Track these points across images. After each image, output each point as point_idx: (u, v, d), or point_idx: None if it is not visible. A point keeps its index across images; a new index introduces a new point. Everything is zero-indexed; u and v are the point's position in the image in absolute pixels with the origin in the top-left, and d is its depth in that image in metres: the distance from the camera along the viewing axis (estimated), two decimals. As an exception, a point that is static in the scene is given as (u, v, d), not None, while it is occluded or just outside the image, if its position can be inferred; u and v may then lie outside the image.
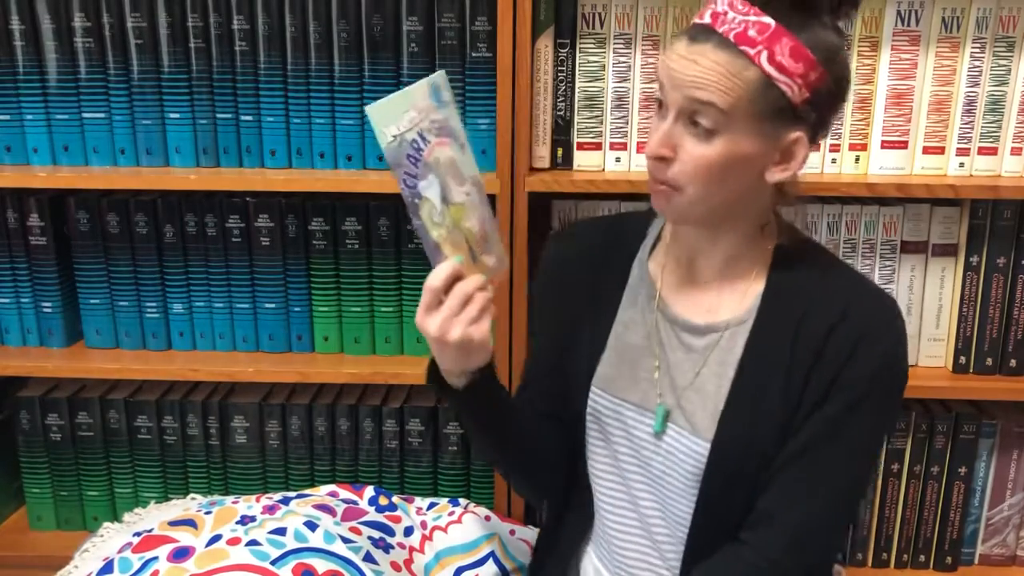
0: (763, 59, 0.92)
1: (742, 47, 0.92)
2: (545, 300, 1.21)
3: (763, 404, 1.01)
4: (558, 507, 1.24)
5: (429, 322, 0.99)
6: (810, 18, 0.94)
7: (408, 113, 0.98)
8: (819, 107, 0.96)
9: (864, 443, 1.02)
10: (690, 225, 1.06)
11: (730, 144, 0.95)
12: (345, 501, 1.42)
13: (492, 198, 1.31)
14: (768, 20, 0.93)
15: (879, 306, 1.03)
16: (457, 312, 0.98)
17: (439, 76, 1.01)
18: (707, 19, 0.95)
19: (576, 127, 1.47)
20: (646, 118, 1.45)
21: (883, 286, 1.50)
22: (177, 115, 1.50)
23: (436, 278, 0.99)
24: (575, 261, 1.17)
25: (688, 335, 1.07)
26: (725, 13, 0.94)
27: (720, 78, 0.93)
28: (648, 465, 1.09)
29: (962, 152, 1.45)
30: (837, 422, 1.00)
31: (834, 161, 1.47)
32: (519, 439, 1.15)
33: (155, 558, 1.20)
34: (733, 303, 1.05)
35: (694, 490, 1.05)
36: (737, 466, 1.02)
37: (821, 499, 1.01)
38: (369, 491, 1.46)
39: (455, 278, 1.00)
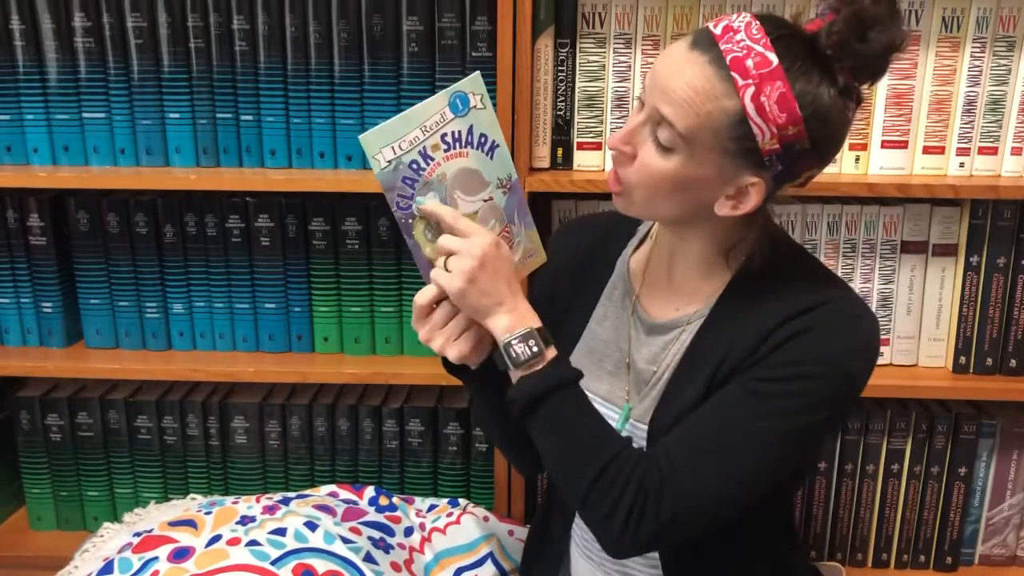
0: (748, 95, 0.89)
1: (734, 73, 0.89)
2: (537, 289, 1.24)
3: (689, 393, 1.01)
4: (548, 495, 1.26)
5: (418, 330, 1.04)
6: (818, 71, 0.90)
7: (411, 134, 0.99)
8: (786, 161, 0.92)
9: (768, 415, 0.95)
10: (647, 220, 1.09)
11: (685, 166, 0.93)
12: (345, 501, 1.42)
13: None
14: (772, 57, 0.89)
15: (846, 313, 0.98)
16: (440, 326, 1.03)
17: (467, 82, 1.01)
18: (718, 29, 0.92)
19: (576, 127, 1.47)
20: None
21: (883, 286, 1.50)
22: (177, 115, 1.50)
23: (422, 297, 1.02)
24: (567, 254, 1.19)
25: (655, 334, 1.08)
26: (737, 31, 0.91)
27: (695, 99, 0.90)
28: None
29: (962, 152, 1.45)
30: (742, 390, 0.96)
31: (834, 161, 1.46)
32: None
33: (155, 558, 1.20)
34: (699, 302, 1.06)
35: None
36: None
37: (698, 441, 0.97)
38: (369, 491, 1.46)
39: (442, 298, 1.03)
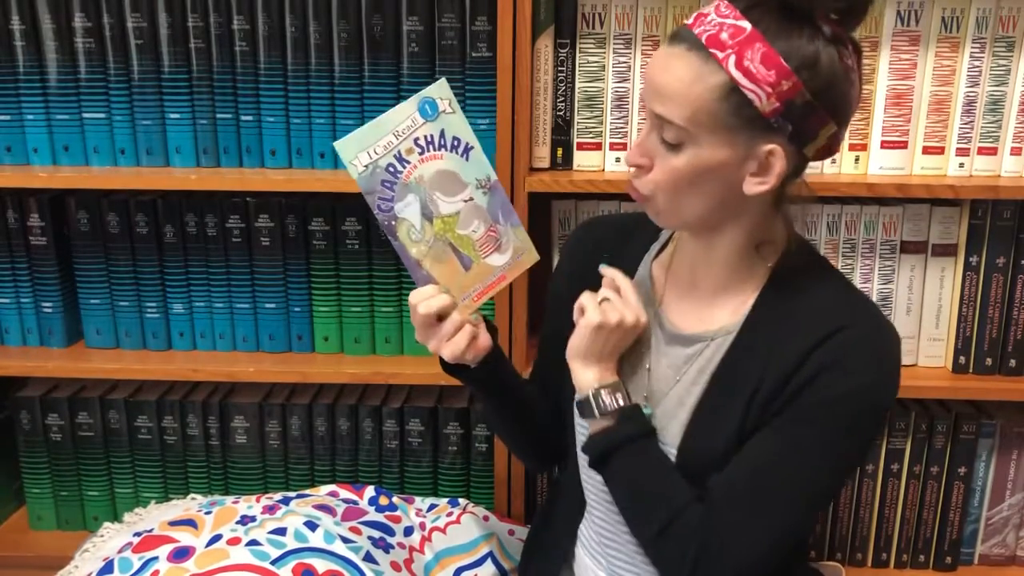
0: (731, 63, 0.89)
1: (711, 49, 0.90)
2: (554, 291, 1.23)
3: (726, 418, 1.01)
4: (553, 492, 1.27)
5: (416, 330, 1.09)
6: (798, 26, 0.90)
7: (384, 139, 1.02)
8: (794, 119, 0.91)
9: (809, 462, 0.99)
10: (679, 229, 1.09)
11: (698, 155, 0.94)
12: (345, 501, 1.42)
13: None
14: (744, 24, 0.89)
15: (867, 339, 0.99)
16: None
17: (435, 88, 1.04)
18: (691, 19, 0.94)
19: (576, 127, 1.48)
20: (644, 119, 1.45)
21: (882, 286, 1.50)
22: (177, 115, 1.50)
23: (428, 307, 1.07)
24: (585, 256, 1.18)
25: (677, 344, 1.07)
26: (707, 15, 0.92)
27: (682, 87, 0.91)
28: None
29: (962, 152, 1.45)
30: (781, 442, 0.98)
31: (834, 161, 1.47)
32: (521, 417, 1.21)
33: (155, 558, 1.20)
34: (725, 315, 1.05)
35: None
36: (700, 476, 1.02)
37: (745, 500, 0.99)
38: (369, 491, 1.46)
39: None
